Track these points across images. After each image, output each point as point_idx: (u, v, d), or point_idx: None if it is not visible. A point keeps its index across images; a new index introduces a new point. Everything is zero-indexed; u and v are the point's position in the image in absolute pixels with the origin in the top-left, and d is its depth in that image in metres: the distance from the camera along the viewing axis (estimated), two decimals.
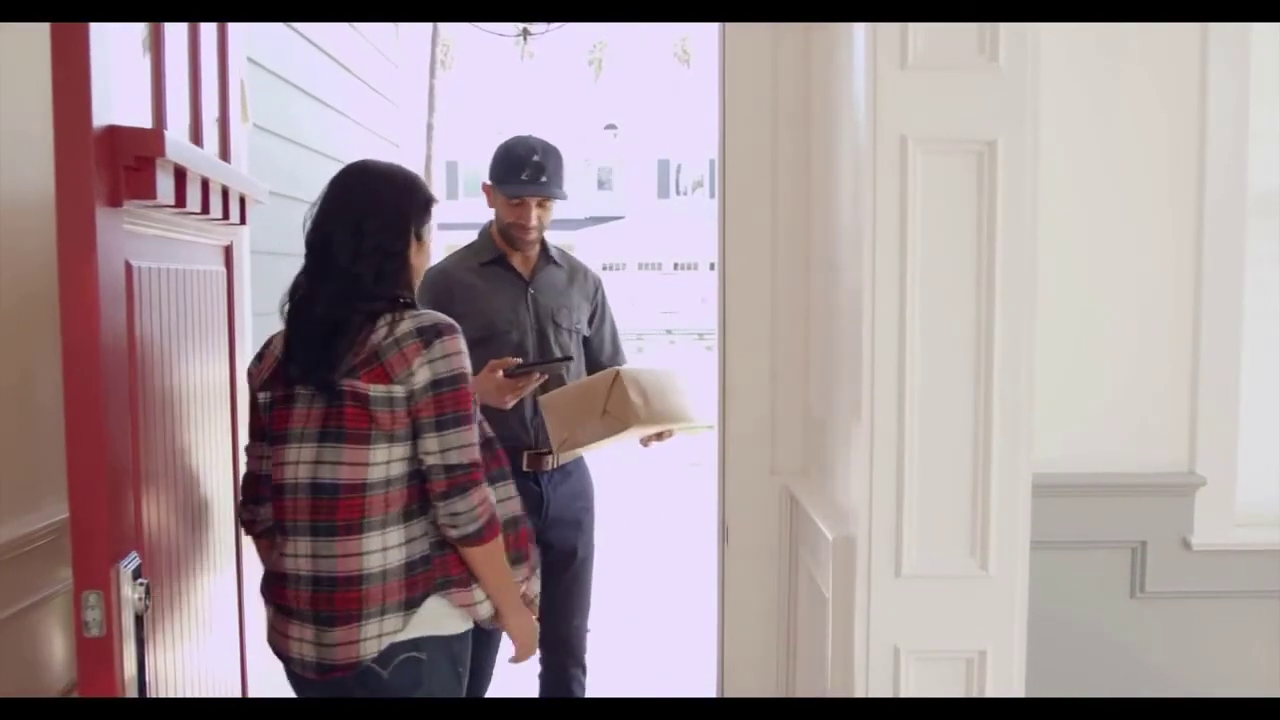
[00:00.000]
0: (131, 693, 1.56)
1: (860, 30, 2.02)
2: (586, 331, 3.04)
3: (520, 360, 2.75)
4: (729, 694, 2.74)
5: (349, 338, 1.97)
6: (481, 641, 2.73)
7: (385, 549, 1.97)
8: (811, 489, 2.52)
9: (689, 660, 4.04)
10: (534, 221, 2.88)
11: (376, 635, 1.96)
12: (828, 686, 2.20)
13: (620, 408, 2.64)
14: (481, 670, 2.78)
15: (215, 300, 2.25)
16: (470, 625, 2.09)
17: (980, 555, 2.03)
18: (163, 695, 1.81)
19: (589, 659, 3.07)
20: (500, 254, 2.94)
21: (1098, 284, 2.62)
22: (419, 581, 1.99)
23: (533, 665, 3.01)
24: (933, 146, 1.98)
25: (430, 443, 1.96)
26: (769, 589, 2.67)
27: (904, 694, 2.05)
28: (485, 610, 2.07)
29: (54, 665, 1.99)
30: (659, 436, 2.91)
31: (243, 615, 2.38)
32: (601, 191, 34.41)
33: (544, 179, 2.86)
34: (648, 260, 32.23)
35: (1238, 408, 2.64)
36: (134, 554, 1.60)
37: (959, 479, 2.03)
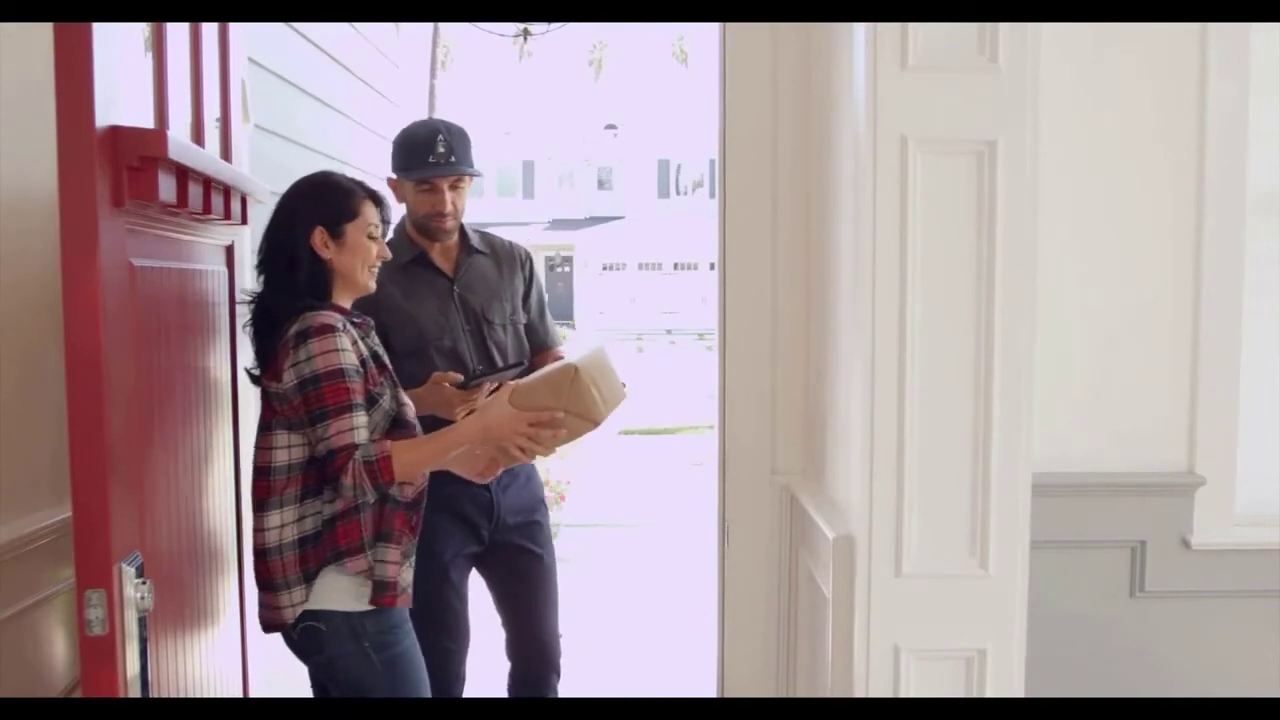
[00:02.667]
0: (134, 692, 1.56)
1: (860, 30, 2.02)
2: (523, 319, 2.87)
3: (462, 378, 2.60)
4: (729, 694, 2.74)
5: (271, 338, 2.18)
6: (444, 646, 2.72)
7: (282, 526, 2.18)
8: (811, 489, 2.52)
9: (689, 660, 4.04)
10: (449, 207, 2.70)
11: (289, 605, 2.18)
12: (828, 686, 2.20)
13: (585, 405, 2.33)
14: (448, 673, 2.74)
15: (218, 300, 2.26)
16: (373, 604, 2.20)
17: (980, 555, 2.04)
18: (165, 695, 1.81)
19: (572, 663, 2.97)
20: (419, 252, 2.75)
21: (1097, 284, 2.62)
22: (310, 556, 2.18)
23: (504, 673, 2.96)
24: (933, 146, 1.98)
25: (312, 435, 2.15)
26: (769, 589, 2.67)
27: (904, 694, 2.06)
28: (382, 571, 2.20)
29: (56, 665, 1.99)
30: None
31: (244, 614, 2.39)
32: (601, 191, 34.42)
33: (454, 158, 2.69)
34: (648, 260, 32.24)
35: (1237, 408, 2.64)
36: (136, 553, 1.60)
37: (959, 479, 2.03)
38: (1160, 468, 2.66)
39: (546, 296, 2.99)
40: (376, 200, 2.29)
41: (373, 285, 2.30)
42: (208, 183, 1.95)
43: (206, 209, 1.97)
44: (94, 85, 1.48)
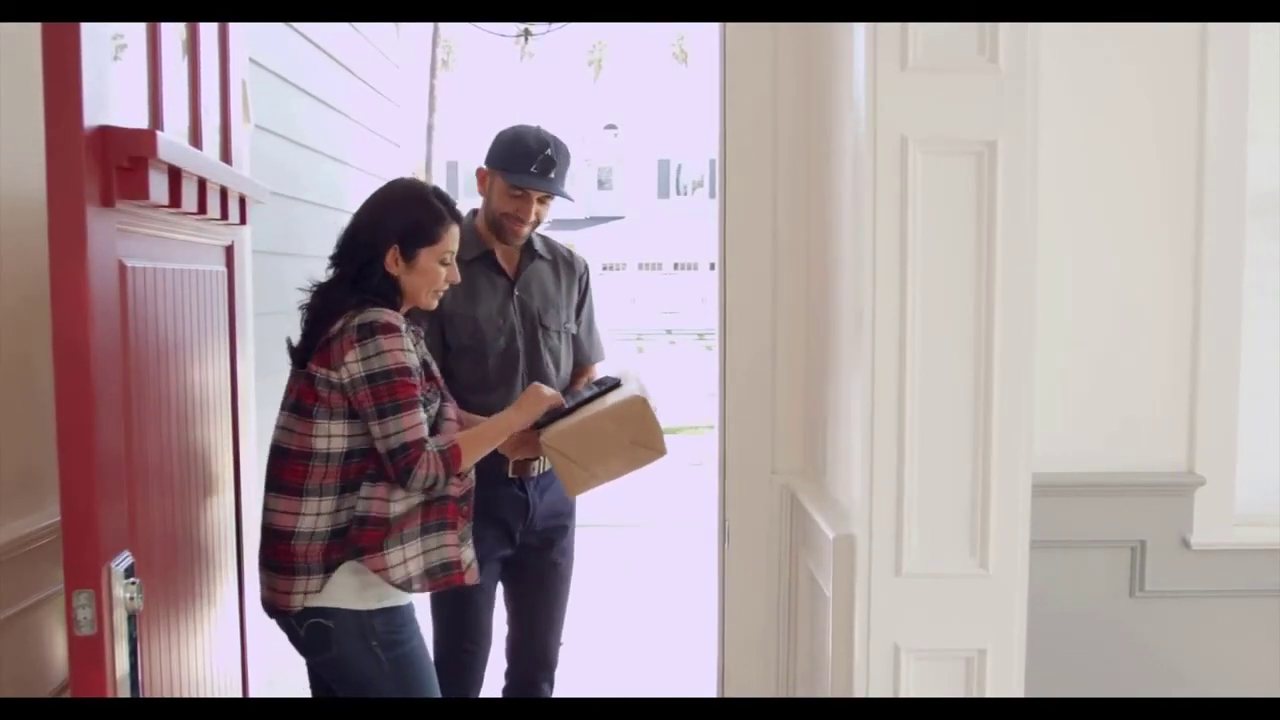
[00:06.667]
0: (124, 692, 1.56)
1: (860, 30, 2.02)
2: (574, 329, 2.86)
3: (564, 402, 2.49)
4: (729, 694, 2.73)
5: (324, 325, 2.22)
6: (459, 659, 2.73)
7: (318, 514, 2.21)
8: (811, 488, 2.52)
9: (689, 660, 4.03)
10: (533, 217, 2.71)
11: (303, 591, 2.21)
12: (828, 686, 2.20)
13: (653, 437, 2.39)
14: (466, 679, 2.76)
15: (216, 300, 2.25)
16: (383, 604, 2.24)
17: (980, 554, 2.03)
18: (159, 695, 1.80)
19: (573, 662, 2.97)
20: (485, 250, 2.73)
21: (1097, 283, 2.62)
22: (335, 549, 2.21)
23: (500, 672, 2.95)
24: (933, 147, 1.98)
25: (375, 429, 2.17)
26: (769, 589, 2.67)
27: (904, 693, 2.05)
28: (398, 574, 2.21)
29: (57, 664, 1.99)
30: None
31: (244, 614, 2.38)
32: (601, 191, 34.47)
33: (553, 175, 2.69)
34: (648, 260, 32.28)
35: (1237, 407, 2.64)
36: (126, 553, 1.59)
37: (959, 479, 2.03)
38: (1160, 468, 2.66)
39: (596, 311, 2.96)
40: (461, 226, 2.35)
41: (434, 305, 2.36)
42: (202, 183, 1.95)
43: (202, 209, 1.96)
44: (82, 85, 1.46)
